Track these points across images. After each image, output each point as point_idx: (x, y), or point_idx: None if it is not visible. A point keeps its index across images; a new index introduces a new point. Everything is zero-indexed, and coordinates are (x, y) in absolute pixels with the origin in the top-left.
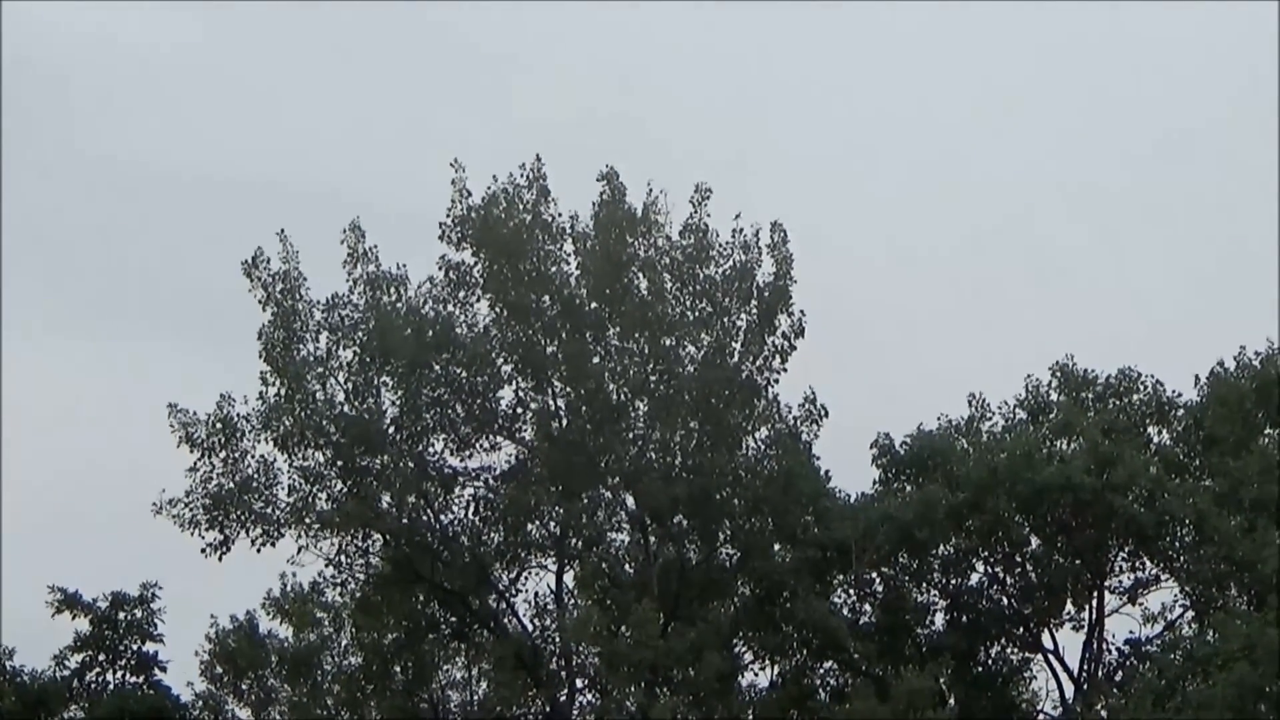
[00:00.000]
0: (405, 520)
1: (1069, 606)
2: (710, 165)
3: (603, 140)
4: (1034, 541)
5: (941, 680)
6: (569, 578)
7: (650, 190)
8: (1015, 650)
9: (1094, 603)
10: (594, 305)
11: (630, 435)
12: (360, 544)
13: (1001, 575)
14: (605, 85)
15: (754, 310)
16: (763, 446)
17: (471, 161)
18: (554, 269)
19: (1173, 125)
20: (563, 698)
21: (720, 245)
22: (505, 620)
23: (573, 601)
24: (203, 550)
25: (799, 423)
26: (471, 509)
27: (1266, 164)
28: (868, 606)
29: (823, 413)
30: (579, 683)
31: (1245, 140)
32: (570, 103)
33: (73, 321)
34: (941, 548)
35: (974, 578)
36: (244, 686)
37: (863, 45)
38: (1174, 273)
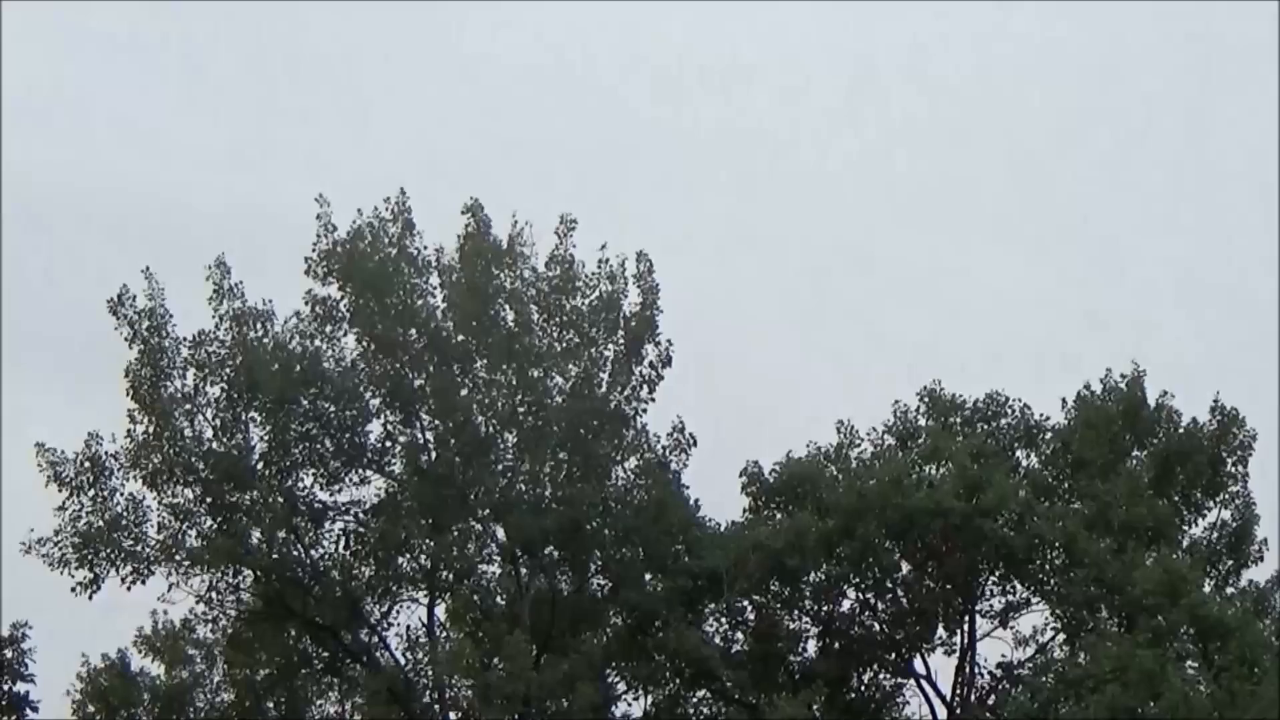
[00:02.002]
0: (275, 555)
1: (941, 631)
2: (578, 195)
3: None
4: (905, 567)
5: (815, 707)
6: (440, 610)
7: (515, 222)
8: (888, 676)
9: (965, 627)
10: (461, 338)
11: (499, 467)
12: (231, 580)
13: (873, 601)
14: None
15: (621, 340)
16: (632, 476)
17: (338, 185)
18: (420, 302)
19: (1037, 137)
20: None
21: (586, 276)
22: (378, 654)
23: (445, 634)
24: (73, 589)
25: (668, 452)
26: (342, 543)
27: (1134, 178)
28: (740, 635)
29: (691, 442)
30: (452, 715)
31: (1114, 154)
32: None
33: None
34: (812, 575)
35: (845, 604)
36: None
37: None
38: (1041, 295)
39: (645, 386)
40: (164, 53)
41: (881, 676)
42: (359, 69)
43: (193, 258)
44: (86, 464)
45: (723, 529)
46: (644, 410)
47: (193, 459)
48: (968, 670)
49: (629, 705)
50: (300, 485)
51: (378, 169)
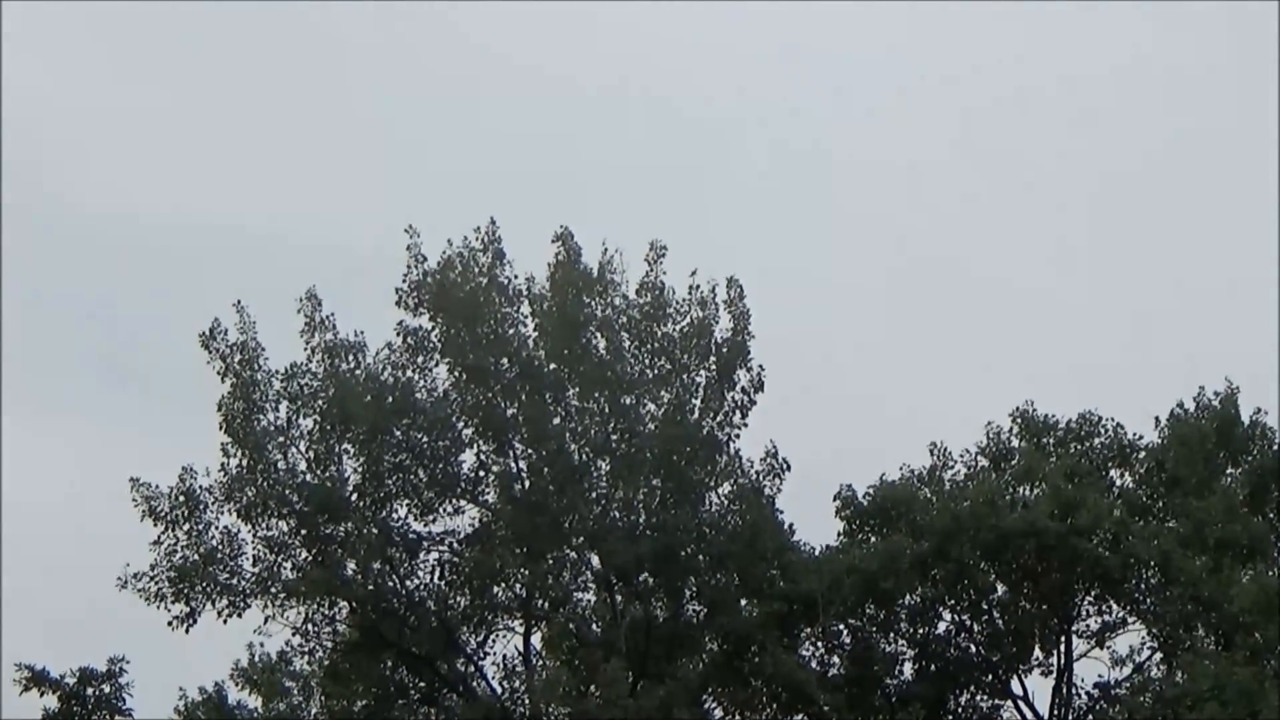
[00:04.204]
0: (371, 587)
1: (1037, 652)
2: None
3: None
4: (1000, 588)
5: None
6: (536, 639)
7: (605, 249)
8: (985, 697)
9: (1062, 647)
10: (553, 366)
11: (593, 495)
12: (326, 612)
13: (969, 623)
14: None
15: (713, 366)
16: (726, 502)
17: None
18: (511, 331)
19: (1123, 160)
20: None
21: (677, 302)
22: (474, 683)
23: (541, 663)
24: (169, 623)
25: (761, 477)
26: (437, 573)
27: (1216, 198)
28: (836, 658)
29: (785, 466)
30: None
31: (1194, 175)
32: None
33: (25, 391)
34: (908, 597)
35: (941, 626)
36: None
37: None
38: (1129, 312)
39: (738, 412)
40: (248, 86)
41: (979, 698)
42: (439, 100)
43: (284, 291)
44: (181, 498)
45: (817, 553)
46: (737, 436)
47: (287, 491)
48: (1065, 691)
49: None
50: (394, 516)
51: (466, 198)
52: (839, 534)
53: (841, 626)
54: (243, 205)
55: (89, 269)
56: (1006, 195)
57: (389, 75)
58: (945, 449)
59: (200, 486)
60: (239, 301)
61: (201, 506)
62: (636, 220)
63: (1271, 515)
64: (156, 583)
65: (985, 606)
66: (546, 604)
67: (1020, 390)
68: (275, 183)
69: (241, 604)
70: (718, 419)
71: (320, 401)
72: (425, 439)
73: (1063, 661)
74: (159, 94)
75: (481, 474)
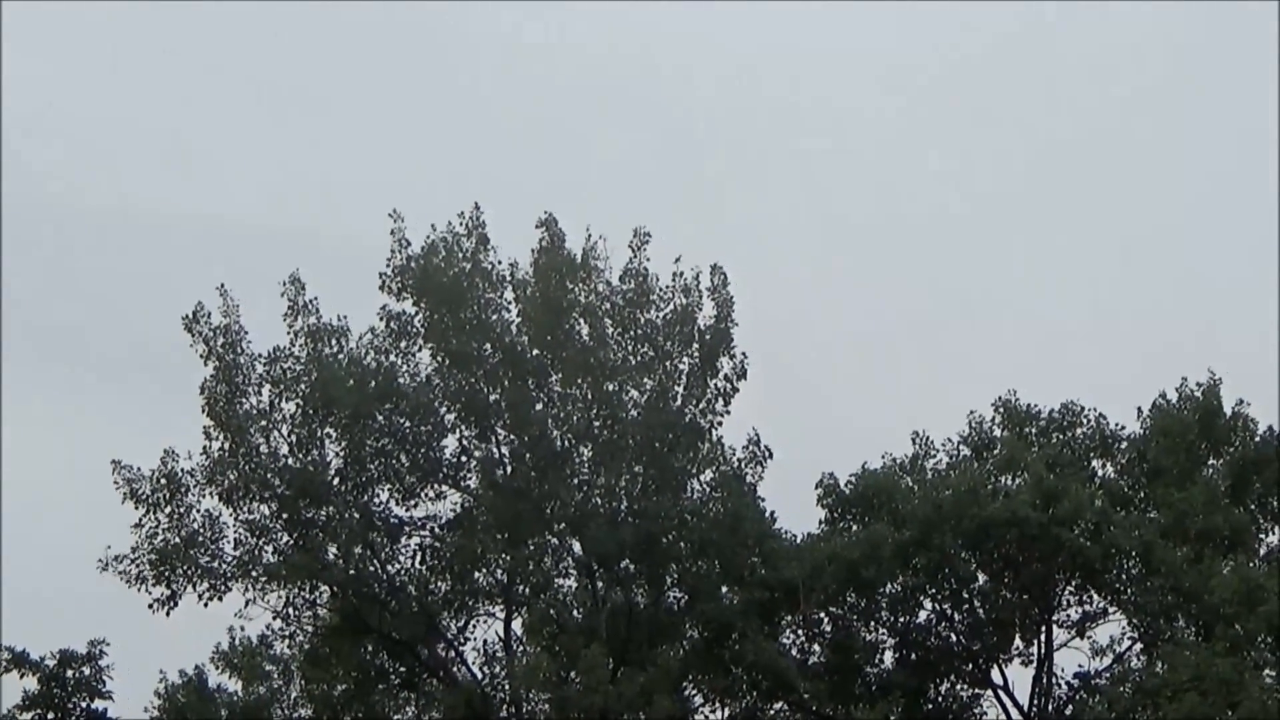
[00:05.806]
0: (352, 571)
1: (1018, 641)
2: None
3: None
4: (981, 577)
5: (892, 718)
6: (517, 625)
7: (589, 236)
8: (965, 686)
9: (1042, 637)
10: (536, 352)
11: (575, 481)
12: (308, 596)
13: (949, 612)
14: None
15: (696, 353)
16: (708, 489)
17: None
18: (495, 317)
19: (1110, 154)
20: None
21: (661, 289)
22: (455, 669)
23: (522, 648)
24: (150, 606)
25: (743, 464)
26: (418, 558)
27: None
28: (817, 646)
29: (767, 454)
30: None
31: (1185, 168)
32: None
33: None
34: (889, 586)
35: (922, 615)
36: None
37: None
38: (1116, 304)
39: (720, 399)
40: (234, 75)
41: (959, 687)
42: (422, 86)
43: (267, 275)
44: (163, 481)
45: (799, 541)
46: (719, 423)
47: (269, 475)
48: (1045, 680)
49: (706, 718)
50: (376, 500)
51: (449, 184)
52: (821, 522)
53: (822, 615)
54: (236, 197)
55: (83, 262)
56: (1006, 192)
57: (382, 66)
58: (928, 438)
59: (182, 470)
60: (222, 285)
61: (183, 490)
62: (632, 217)
63: (1253, 506)
64: (137, 565)
65: (966, 595)
66: (527, 590)
67: (1006, 383)
68: (270, 176)
69: (222, 587)
70: (700, 406)
71: (303, 385)
72: (407, 424)
73: (1043, 651)
74: (157, 90)
75: (463, 459)
